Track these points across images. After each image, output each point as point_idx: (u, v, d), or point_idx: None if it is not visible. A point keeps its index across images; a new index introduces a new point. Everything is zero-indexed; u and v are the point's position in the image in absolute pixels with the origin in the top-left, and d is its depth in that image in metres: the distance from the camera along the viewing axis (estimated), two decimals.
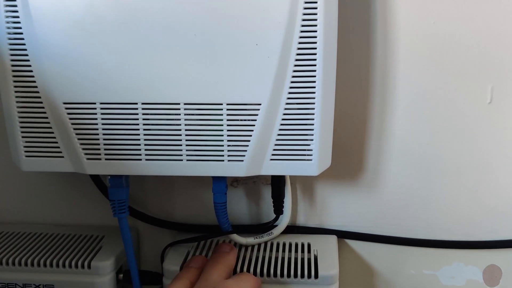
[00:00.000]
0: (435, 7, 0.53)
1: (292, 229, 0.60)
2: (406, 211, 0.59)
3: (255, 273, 0.52)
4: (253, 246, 0.57)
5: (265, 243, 0.58)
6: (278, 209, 0.57)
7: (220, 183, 0.53)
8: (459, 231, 0.59)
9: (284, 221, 0.58)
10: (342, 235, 0.60)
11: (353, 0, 0.54)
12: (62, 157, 0.51)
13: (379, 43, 0.55)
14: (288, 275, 0.52)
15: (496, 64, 0.54)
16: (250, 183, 0.60)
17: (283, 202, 0.57)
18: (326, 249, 0.56)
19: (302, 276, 0.52)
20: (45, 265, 0.54)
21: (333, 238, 0.59)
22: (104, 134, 0.50)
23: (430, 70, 0.55)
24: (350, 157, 0.58)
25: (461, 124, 0.56)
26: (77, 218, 0.63)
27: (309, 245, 0.57)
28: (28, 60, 0.49)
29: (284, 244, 0.57)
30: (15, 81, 0.50)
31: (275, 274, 0.52)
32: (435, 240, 0.59)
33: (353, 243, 0.61)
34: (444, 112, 0.56)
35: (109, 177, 0.54)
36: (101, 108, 0.49)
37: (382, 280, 0.61)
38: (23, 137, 0.51)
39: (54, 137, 0.51)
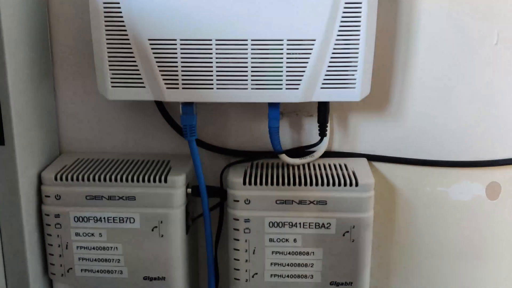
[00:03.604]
0: None
1: (329, 153, 0.71)
2: (425, 137, 0.70)
3: (305, 184, 0.63)
4: (298, 166, 0.68)
5: (308, 163, 0.69)
6: (323, 132, 0.67)
7: (275, 110, 0.64)
8: (467, 153, 0.71)
9: (323, 145, 0.69)
10: (371, 158, 0.71)
11: None
12: (144, 87, 0.61)
13: None
14: (333, 184, 0.63)
15: (502, 12, 0.65)
16: (294, 116, 0.70)
17: (327, 126, 0.67)
18: (360, 167, 0.68)
19: (345, 184, 0.63)
20: (127, 180, 0.64)
21: (364, 160, 0.70)
22: (182, 66, 0.60)
23: (447, 15, 0.66)
24: (379, 91, 0.69)
25: (473, 61, 0.67)
26: (143, 147, 0.73)
27: (345, 165, 0.68)
28: (118, 2, 0.58)
29: (324, 165, 0.68)
30: (106, 21, 0.59)
31: (322, 183, 0.63)
32: (447, 161, 0.71)
33: (379, 165, 0.72)
34: (458, 51, 0.67)
35: (181, 105, 0.63)
36: (181, 44, 0.59)
37: (402, 196, 0.73)
38: (110, 69, 0.61)
39: (138, 69, 0.60)
